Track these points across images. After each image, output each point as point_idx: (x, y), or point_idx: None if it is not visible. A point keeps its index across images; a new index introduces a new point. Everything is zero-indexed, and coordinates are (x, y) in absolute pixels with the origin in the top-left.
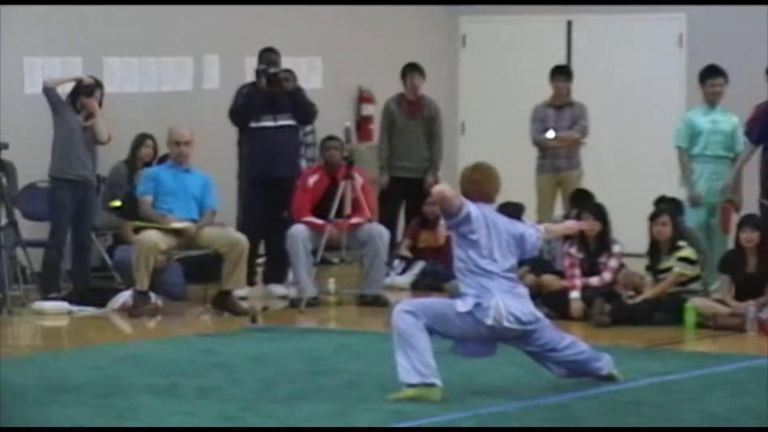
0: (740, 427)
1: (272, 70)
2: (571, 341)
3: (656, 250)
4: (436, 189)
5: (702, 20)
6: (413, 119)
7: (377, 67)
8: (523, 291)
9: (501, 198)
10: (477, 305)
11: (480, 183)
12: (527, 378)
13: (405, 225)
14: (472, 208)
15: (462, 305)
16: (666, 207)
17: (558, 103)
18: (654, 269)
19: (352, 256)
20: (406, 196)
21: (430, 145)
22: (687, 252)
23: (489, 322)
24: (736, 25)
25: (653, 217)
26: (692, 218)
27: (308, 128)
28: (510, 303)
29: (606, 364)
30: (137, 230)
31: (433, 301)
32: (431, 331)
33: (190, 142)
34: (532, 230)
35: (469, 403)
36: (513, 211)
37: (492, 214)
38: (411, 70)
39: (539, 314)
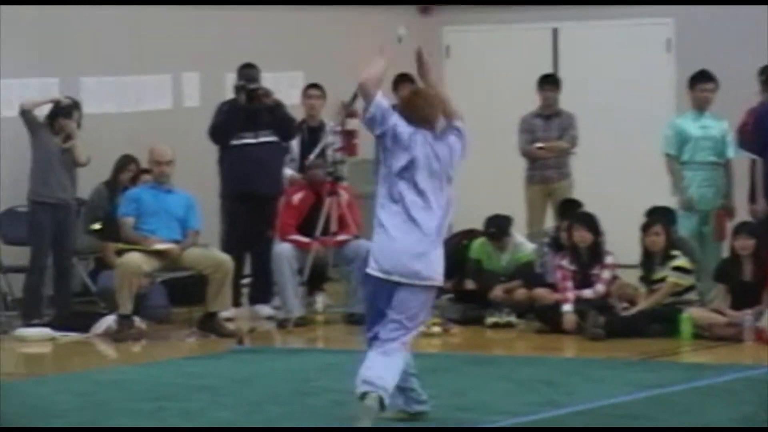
0: (741, 427)
1: (251, 86)
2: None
3: (650, 261)
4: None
5: (690, 24)
6: None
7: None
8: None
9: (490, 210)
10: None
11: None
12: (520, 394)
13: None
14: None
15: None
16: (658, 217)
17: (546, 112)
18: (648, 280)
19: (339, 273)
20: None
21: None
22: (681, 261)
23: None
24: (725, 28)
25: (646, 228)
26: (685, 227)
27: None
28: None
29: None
30: (119, 253)
31: None
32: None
33: (171, 161)
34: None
35: (460, 420)
36: (501, 223)
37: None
38: (403, 81)
39: None
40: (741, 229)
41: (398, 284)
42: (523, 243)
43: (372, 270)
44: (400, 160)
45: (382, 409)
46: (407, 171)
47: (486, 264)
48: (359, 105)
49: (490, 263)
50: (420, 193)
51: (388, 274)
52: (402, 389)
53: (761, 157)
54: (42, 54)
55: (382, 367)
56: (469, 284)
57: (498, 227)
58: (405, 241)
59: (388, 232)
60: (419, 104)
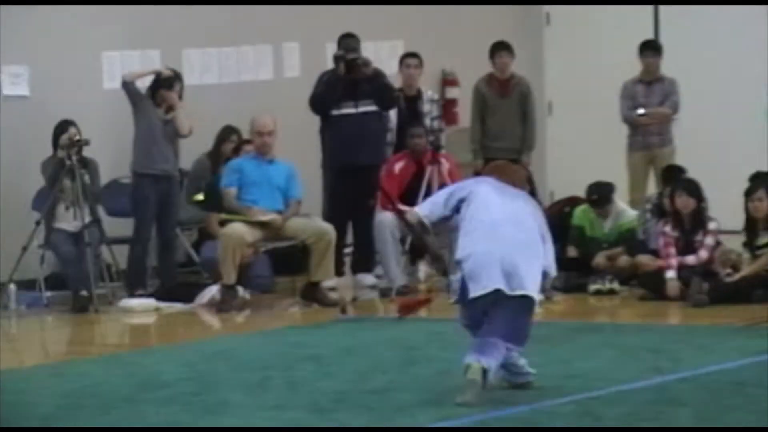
0: (743, 427)
1: (351, 55)
2: None
3: (753, 227)
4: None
5: None
6: (505, 99)
7: (460, 50)
8: None
9: (592, 177)
10: None
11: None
12: (625, 361)
13: None
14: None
15: None
16: (762, 182)
17: (648, 78)
18: (751, 245)
19: (442, 242)
20: None
21: (523, 124)
22: None
23: None
24: None
25: (749, 193)
26: None
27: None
28: None
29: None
30: (222, 223)
31: None
32: None
33: (272, 132)
34: None
35: (567, 388)
36: (603, 189)
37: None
38: (500, 48)
39: None
40: None
41: None
42: (625, 210)
43: None
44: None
45: (485, 381)
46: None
47: (588, 231)
48: (458, 71)
49: (593, 230)
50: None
51: None
52: (503, 365)
53: None
54: (143, 26)
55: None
56: (572, 251)
57: (600, 194)
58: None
59: None
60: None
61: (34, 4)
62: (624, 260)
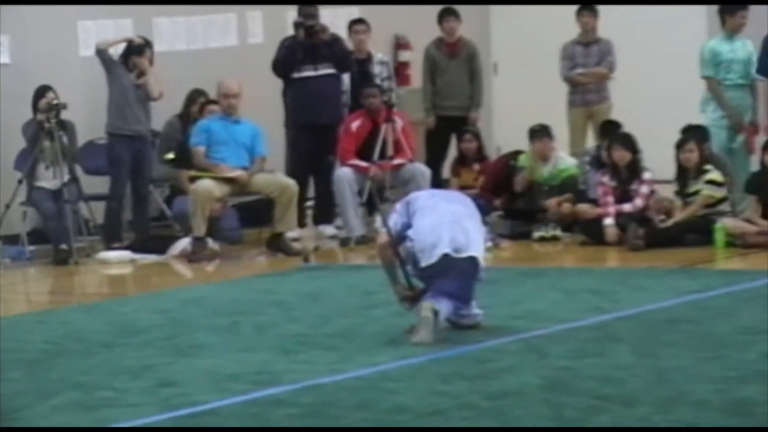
0: (741, 427)
1: (309, 22)
2: None
3: (684, 175)
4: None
5: None
6: (453, 60)
7: (411, 16)
8: None
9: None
10: None
11: None
12: (568, 302)
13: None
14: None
15: None
16: (692, 134)
17: (585, 39)
18: (683, 193)
19: (396, 194)
20: (452, 133)
21: (471, 83)
22: (714, 175)
23: None
24: None
25: (680, 144)
26: (717, 143)
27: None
28: None
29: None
30: (192, 180)
31: None
32: None
33: (238, 94)
34: None
35: (513, 327)
36: (543, 126)
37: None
38: (447, 14)
39: None
40: None
41: None
42: (563, 157)
43: None
44: None
45: (436, 320)
46: None
47: (530, 175)
48: (411, 36)
49: (534, 174)
50: None
51: None
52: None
53: None
54: None
55: None
56: (518, 186)
57: (541, 126)
58: None
59: None
60: None
61: None
62: (566, 208)
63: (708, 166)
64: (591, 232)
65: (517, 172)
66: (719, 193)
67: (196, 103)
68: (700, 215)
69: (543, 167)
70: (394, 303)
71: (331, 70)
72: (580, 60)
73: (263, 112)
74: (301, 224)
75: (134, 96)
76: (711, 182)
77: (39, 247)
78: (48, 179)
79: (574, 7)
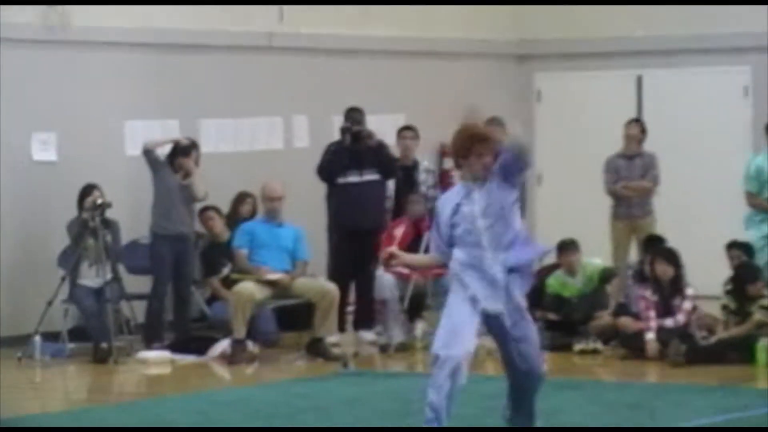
0: (740, 427)
1: (356, 128)
2: None
3: (740, 287)
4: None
5: (766, 71)
6: None
7: (457, 122)
8: None
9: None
10: None
11: None
12: (606, 416)
13: None
14: None
15: None
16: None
17: (629, 153)
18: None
19: (437, 302)
20: None
21: None
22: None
23: None
24: None
25: (730, 247)
26: (762, 259)
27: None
28: None
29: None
30: (234, 282)
31: None
32: None
33: (281, 197)
34: None
35: None
36: (566, 243)
37: None
38: (492, 123)
39: None
40: None
41: None
42: (588, 261)
43: None
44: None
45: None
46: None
47: (563, 292)
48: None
49: (567, 290)
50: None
51: None
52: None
53: None
54: (164, 97)
55: None
56: (551, 316)
57: (570, 241)
58: None
59: None
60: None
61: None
62: (606, 320)
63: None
64: (631, 345)
65: (545, 297)
66: None
67: (243, 203)
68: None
69: (573, 280)
70: None
71: (376, 177)
72: (624, 173)
73: (307, 216)
74: (341, 329)
75: (179, 197)
76: (765, 307)
77: (79, 345)
78: (90, 277)
79: (618, 121)
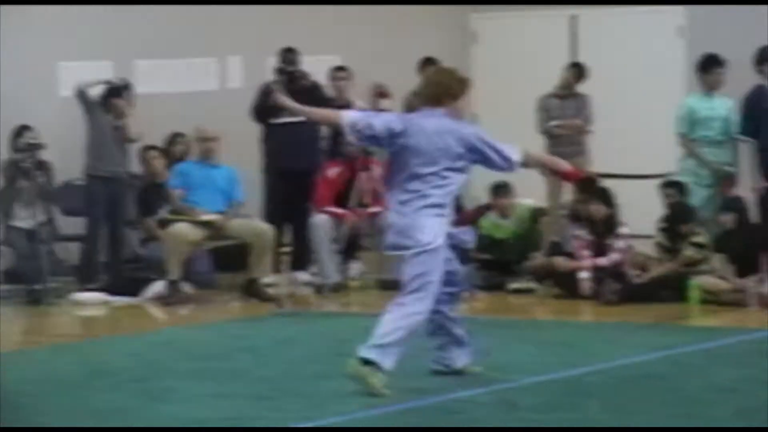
0: (741, 427)
1: (290, 68)
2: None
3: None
4: None
5: (700, 13)
6: None
7: (392, 65)
8: None
9: (513, 184)
10: None
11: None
12: (541, 355)
13: None
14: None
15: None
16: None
17: (562, 93)
18: (671, 235)
19: (372, 242)
20: None
21: None
22: (700, 238)
23: None
24: (731, 15)
25: (664, 186)
26: (695, 200)
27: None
28: None
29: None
30: (167, 223)
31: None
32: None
33: (216, 138)
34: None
35: (485, 378)
36: (500, 188)
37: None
38: (428, 63)
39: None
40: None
41: None
42: (518, 202)
43: None
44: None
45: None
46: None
47: (496, 234)
48: (390, 84)
49: (500, 231)
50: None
51: None
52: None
53: (754, 139)
54: (97, 38)
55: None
56: (486, 256)
57: (504, 184)
58: None
59: None
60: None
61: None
62: (540, 260)
63: (699, 229)
64: (565, 285)
65: (480, 239)
66: (700, 254)
67: (176, 144)
68: (676, 272)
69: (506, 222)
70: None
71: None
72: (557, 113)
73: (241, 156)
74: (276, 270)
75: (112, 138)
76: (696, 245)
77: (13, 287)
78: (24, 219)
79: (553, 61)
